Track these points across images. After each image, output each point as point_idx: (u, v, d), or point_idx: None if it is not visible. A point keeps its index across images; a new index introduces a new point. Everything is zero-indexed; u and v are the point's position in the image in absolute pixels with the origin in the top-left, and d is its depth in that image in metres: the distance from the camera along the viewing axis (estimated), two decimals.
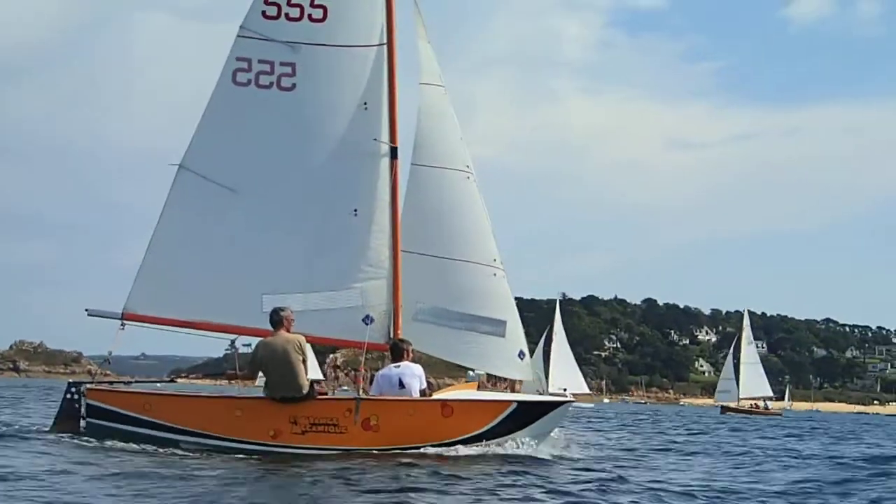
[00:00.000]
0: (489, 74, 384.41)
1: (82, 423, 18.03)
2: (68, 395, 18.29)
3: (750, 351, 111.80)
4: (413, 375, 18.06)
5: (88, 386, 18.46)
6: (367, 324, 19.14)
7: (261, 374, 17.83)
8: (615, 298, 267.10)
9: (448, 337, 19.68)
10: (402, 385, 17.98)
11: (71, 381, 19.20)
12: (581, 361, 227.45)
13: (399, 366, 18.20)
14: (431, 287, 19.63)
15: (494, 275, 19.77)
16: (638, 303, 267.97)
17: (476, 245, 19.81)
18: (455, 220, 19.90)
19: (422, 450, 17.46)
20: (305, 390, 17.39)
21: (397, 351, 18.43)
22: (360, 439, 17.37)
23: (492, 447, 17.82)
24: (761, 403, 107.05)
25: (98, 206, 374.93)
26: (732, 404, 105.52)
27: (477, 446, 17.74)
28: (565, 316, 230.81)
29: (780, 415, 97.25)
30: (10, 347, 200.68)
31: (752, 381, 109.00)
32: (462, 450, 17.61)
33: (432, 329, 19.52)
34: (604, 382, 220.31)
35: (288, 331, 17.68)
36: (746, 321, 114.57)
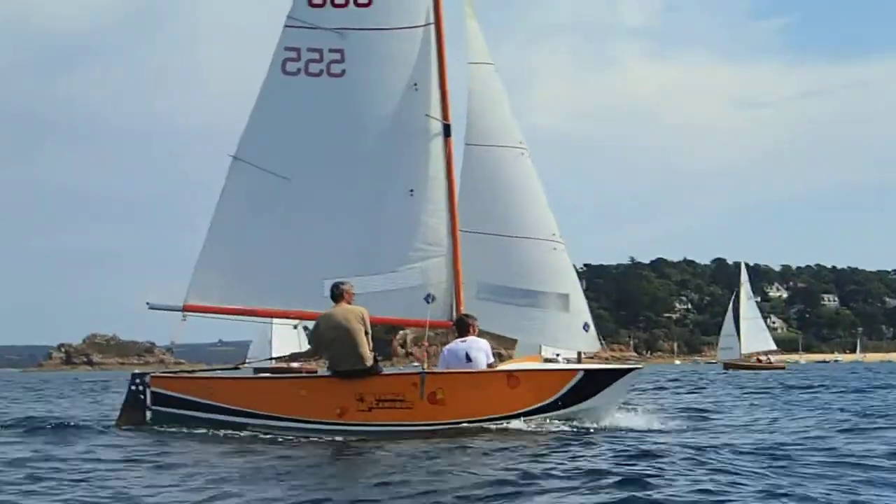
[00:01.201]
0: (551, 42, 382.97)
1: (148, 413, 18.32)
2: (133, 387, 18.56)
3: (750, 305, 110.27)
4: (479, 349, 18.02)
5: (153, 374, 18.72)
6: (428, 302, 19.26)
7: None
8: (684, 260, 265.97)
9: (512, 314, 19.71)
10: (468, 359, 17.93)
11: (135, 372, 19.48)
12: (652, 324, 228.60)
13: (465, 340, 18.16)
14: (492, 265, 19.68)
15: (555, 249, 19.78)
16: (707, 263, 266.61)
17: (534, 220, 19.83)
18: (511, 196, 19.90)
19: (490, 424, 17.45)
20: (369, 362, 17.31)
21: (463, 326, 18.39)
22: (426, 413, 17.37)
23: (558, 418, 17.78)
24: (764, 358, 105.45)
25: (167, 190, 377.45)
26: (735, 360, 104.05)
27: (544, 417, 17.72)
28: (635, 280, 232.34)
29: (783, 368, 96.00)
30: (84, 341, 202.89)
31: (754, 336, 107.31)
32: (528, 421, 17.59)
33: (495, 307, 19.54)
34: (675, 344, 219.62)
35: (349, 303, 17.71)
36: (744, 276, 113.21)
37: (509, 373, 18.02)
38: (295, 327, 19.29)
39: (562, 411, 17.84)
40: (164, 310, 19.28)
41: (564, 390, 17.90)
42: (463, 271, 19.47)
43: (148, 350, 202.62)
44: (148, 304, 19.31)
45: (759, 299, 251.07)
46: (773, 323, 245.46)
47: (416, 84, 19.51)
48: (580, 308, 19.85)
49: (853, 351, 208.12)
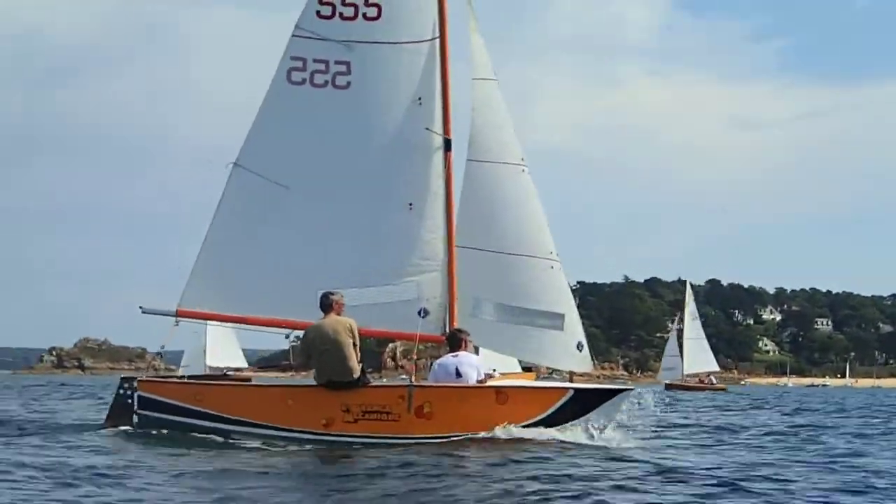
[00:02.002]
0: (553, 60, 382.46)
1: (135, 417, 18.30)
2: (121, 391, 18.58)
3: (694, 326, 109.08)
4: (471, 365, 18.00)
5: (140, 378, 18.76)
6: (422, 316, 19.29)
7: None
8: (678, 280, 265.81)
9: (507, 332, 19.77)
10: (458, 374, 17.90)
11: (123, 376, 19.51)
12: (644, 344, 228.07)
13: (457, 355, 18.13)
14: (489, 283, 19.75)
15: (552, 267, 19.86)
16: (701, 283, 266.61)
17: (532, 238, 19.92)
18: (511, 214, 19.99)
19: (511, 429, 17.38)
20: (356, 374, 17.31)
21: (455, 341, 18.39)
22: (413, 427, 17.35)
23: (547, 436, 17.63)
24: (706, 379, 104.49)
25: (161, 201, 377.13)
26: (677, 381, 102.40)
27: (532, 433, 17.57)
28: (628, 299, 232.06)
29: (724, 389, 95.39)
30: (75, 345, 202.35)
31: (697, 357, 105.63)
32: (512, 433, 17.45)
33: (491, 325, 19.62)
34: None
35: (338, 314, 17.70)
36: (689, 295, 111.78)
37: (498, 389, 17.97)
38: (287, 337, 19.20)
39: (550, 429, 17.78)
40: (158, 314, 19.30)
41: (554, 408, 17.88)
42: (459, 287, 19.50)
43: (139, 356, 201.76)
44: (141, 308, 19.34)
45: (751, 321, 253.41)
46: (765, 345, 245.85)
47: (420, 98, 19.58)
48: (575, 327, 19.88)
49: (844, 376, 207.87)
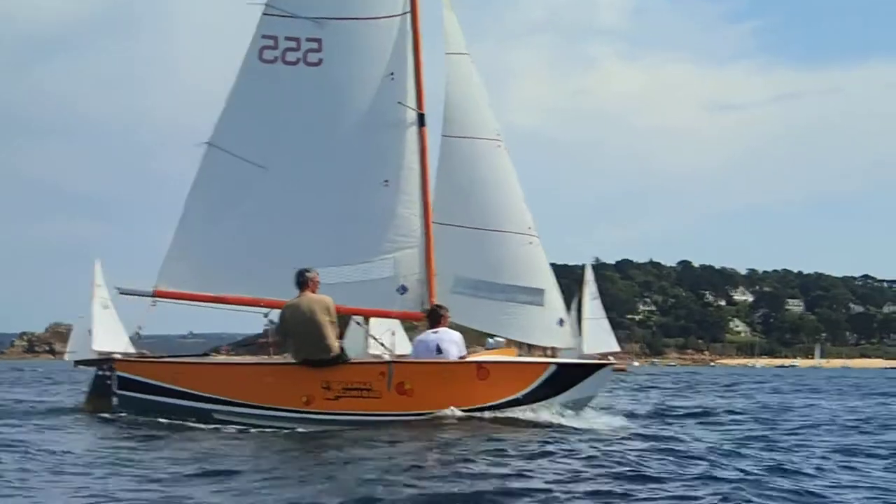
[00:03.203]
0: (526, 42, 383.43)
1: (114, 399, 18.05)
2: (99, 372, 18.38)
3: (595, 305, 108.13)
4: (451, 341, 17.85)
5: (118, 359, 18.58)
6: (401, 294, 19.18)
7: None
8: (650, 262, 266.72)
9: (486, 308, 19.62)
10: (439, 350, 17.76)
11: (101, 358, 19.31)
12: (615, 325, 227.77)
13: (437, 331, 18.00)
14: (467, 259, 19.61)
15: (530, 243, 19.74)
16: (673, 265, 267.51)
17: (510, 214, 19.79)
18: (488, 189, 19.86)
19: (455, 412, 17.20)
20: (334, 352, 17.11)
21: (435, 317, 18.26)
22: (394, 404, 17.18)
23: (528, 412, 17.54)
24: (611, 359, 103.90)
25: (135, 182, 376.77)
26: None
27: (514, 410, 17.48)
28: (599, 281, 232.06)
29: (623, 370, 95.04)
30: (46, 330, 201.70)
31: (597, 337, 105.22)
32: (496, 413, 17.36)
33: (470, 301, 19.46)
34: (637, 346, 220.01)
35: (313, 292, 17.50)
36: (589, 274, 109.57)
37: (479, 364, 17.82)
38: (266, 315, 18.98)
39: (532, 405, 17.70)
40: (134, 295, 19.10)
41: (536, 384, 17.75)
42: (438, 264, 19.36)
43: None
44: (118, 288, 19.28)
45: (723, 303, 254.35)
46: (737, 326, 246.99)
47: (392, 74, 19.42)
48: (555, 303, 19.78)
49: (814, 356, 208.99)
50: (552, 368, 17.92)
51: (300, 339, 17.19)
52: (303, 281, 17.51)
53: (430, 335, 18.07)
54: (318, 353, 17.12)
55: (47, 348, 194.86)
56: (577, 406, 18.07)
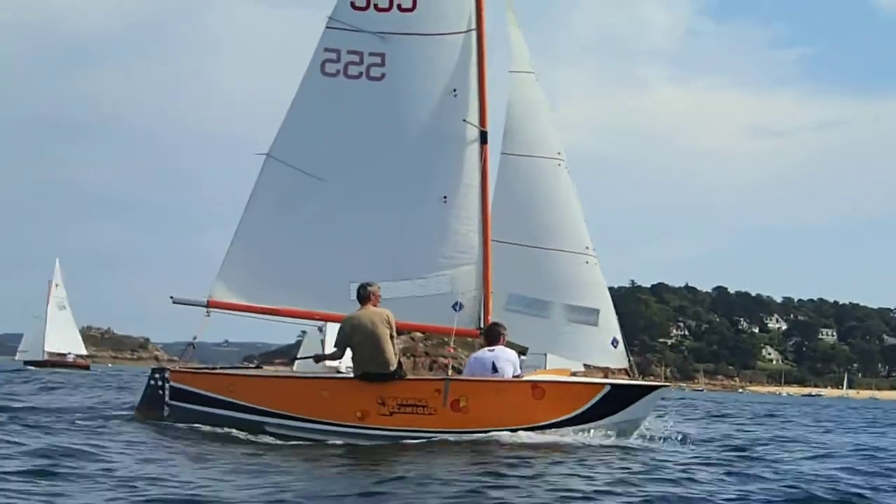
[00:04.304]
0: (576, 62, 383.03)
1: (165, 409, 18.12)
2: (152, 381, 18.41)
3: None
4: (507, 360, 17.81)
5: (172, 369, 18.61)
6: (456, 310, 19.11)
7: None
8: (685, 286, 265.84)
9: (540, 327, 19.51)
10: (495, 369, 17.73)
11: (154, 367, 19.36)
12: (647, 349, 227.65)
13: (493, 349, 17.97)
14: (523, 277, 19.51)
15: (587, 262, 19.62)
16: (708, 290, 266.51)
17: (568, 233, 19.66)
18: (546, 208, 19.73)
19: (513, 434, 17.19)
20: (393, 366, 17.14)
21: (493, 335, 18.23)
22: (448, 421, 17.17)
23: (584, 433, 17.61)
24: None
25: (170, 190, 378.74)
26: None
27: (569, 430, 17.52)
28: (633, 303, 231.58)
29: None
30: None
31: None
32: (554, 434, 17.38)
33: (524, 319, 19.34)
34: (668, 370, 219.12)
35: (375, 306, 17.52)
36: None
37: (534, 383, 17.81)
38: (320, 329, 19.06)
39: (587, 425, 17.70)
40: (189, 304, 19.15)
41: (591, 404, 17.75)
42: (494, 281, 19.33)
43: (142, 346, 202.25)
44: (172, 298, 19.18)
45: (757, 330, 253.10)
46: (769, 354, 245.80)
47: (454, 90, 19.39)
48: (610, 323, 19.64)
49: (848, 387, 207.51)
50: (606, 389, 17.93)
51: (360, 351, 17.22)
52: (365, 295, 17.56)
53: (486, 353, 18.04)
54: (378, 367, 17.14)
55: None
56: (631, 427, 18.08)
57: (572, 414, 17.63)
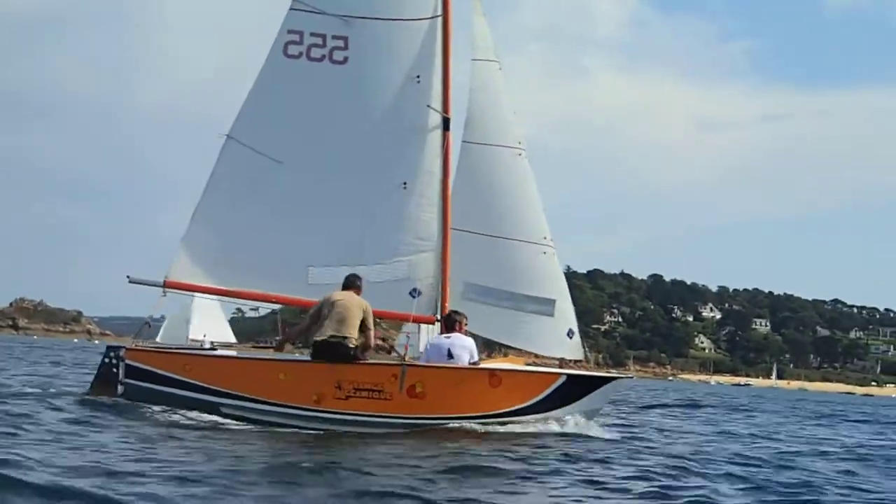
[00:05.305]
0: (520, 50, 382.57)
1: (119, 387, 18.00)
2: (106, 360, 18.32)
3: None
4: (463, 347, 17.87)
5: (127, 347, 18.51)
6: (413, 297, 19.12)
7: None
8: (621, 273, 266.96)
9: (496, 317, 19.63)
10: (450, 356, 17.79)
11: (110, 344, 19.26)
12: (580, 335, 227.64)
13: (450, 336, 18.04)
14: (481, 266, 19.62)
15: (544, 253, 19.72)
16: (644, 278, 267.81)
17: (526, 223, 19.77)
18: (506, 198, 19.84)
19: (467, 424, 17.31)
20: (353, 342, 17.21)
21: (450, 322, 18.29)
22: (404, 407, 17.20)
23: (539, 422, 17.70)
24: None
25: (114, 164, 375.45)
26: None
27: (524, 420, 17.60)
28: (569, 289, 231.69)
29: None
30: (11, 305, 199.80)
31: None
32: (509, 424, 17.48)
33: (480, 308, 19.42)
34: (599, 356, 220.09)
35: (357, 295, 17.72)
36: None
37: (491, 371, 17.85)
38: (275, 312, 18.95)
39: (542, 415, 17.77)
40: (145, 284, 19.05)
41: (546, 393, 17.82)
42: (452, 270, 19.34)
43: (75, 319, 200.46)
44: (128, 277, 19.03)
45: (691, 318, 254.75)
46: (702, 343, 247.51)
47: (418, 76, 19.36)
48: (566, 314, 19.78)
49: (778, 377, 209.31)
50: (562, 379, 18.02)
51: (329, 319, 17.24)
52: (349, 282, 17.87)
53: (442, 339, 18.12)
54: (338, 334, 17.19)
55: (10, 323, 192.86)
56: (588, 416, 18.19)
57: (528, 402, 17.69)
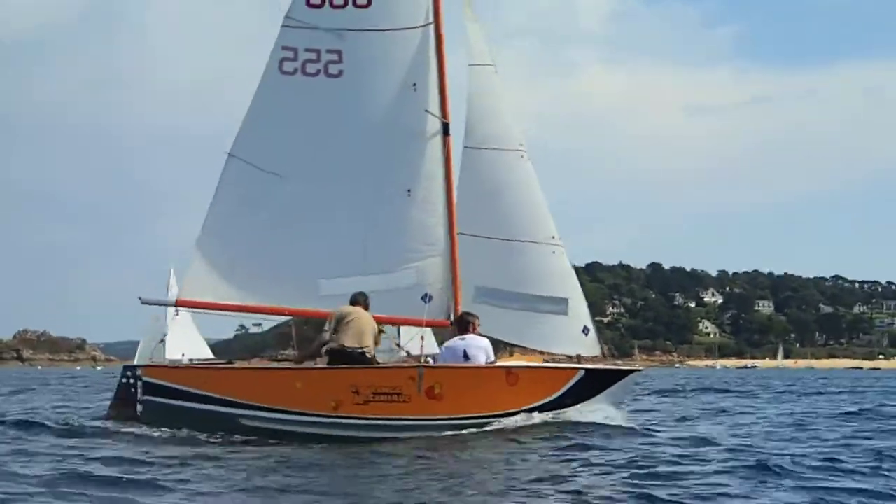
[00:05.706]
0: (507, 46, 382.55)
1: (139, 406, 18.12)
2: (124, 380, 18.44)
3: None
4: (479, 347, 17.99)
5: (145, 365, 18.65)
6: (425, 302, 19.19)
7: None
8: (619, 264, 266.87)
9: (510, 319, 19.60)
10: (466, 357, 17.89)
11: (127, 364, 19.37)
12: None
13: (465, 338, 18.14)
14: (491, 269, 19.62)
15: (553, 252, 19.73)
16: (643, 267, 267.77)
17: (533, 224, 19.76)
18: (511, 200, 19.81)
19: (487, 423, 17.40)
20: (370, 349, 17.56)
21: (463, 324, 18.39)
22: (424, 408, 17.31)
23: (559, 416, 17.77)
24: None
25: (110, 187, 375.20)
26: None
27: (544, 415, 17.68)
28: None
29: None
30: (14, 336, 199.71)
31: None
32: (528, 418, 17.57)
33: (493, 311, 19.41)
34: (605, 348, 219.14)
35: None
36: None
37: (508, 369, 17.95)
38: (278, 326, 19.12)
39: (560, 410, 17.83)
40: (158, 304, 19.23)
41: (564, 389, 17.91)
42: (461, 274, 19.43)
43: (79, 347, 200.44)
44: (140, 298, 19.29)
45: (693, 305, 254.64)
46: (706, 328, 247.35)
47: (414, 84, 19.46)
48: (579, 311, 19.77)
49: (785, 357, 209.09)
50: (581, 374, 18.09)
51: (345, 327, 17.53)
52: (363, 300, 18.13)
53: (457, 341, 18.22)
54: (358, 341, 17.54)
55: (15, 355, 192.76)
56: (606, 411, 18.22)
57: (547, 399, 17.79)
